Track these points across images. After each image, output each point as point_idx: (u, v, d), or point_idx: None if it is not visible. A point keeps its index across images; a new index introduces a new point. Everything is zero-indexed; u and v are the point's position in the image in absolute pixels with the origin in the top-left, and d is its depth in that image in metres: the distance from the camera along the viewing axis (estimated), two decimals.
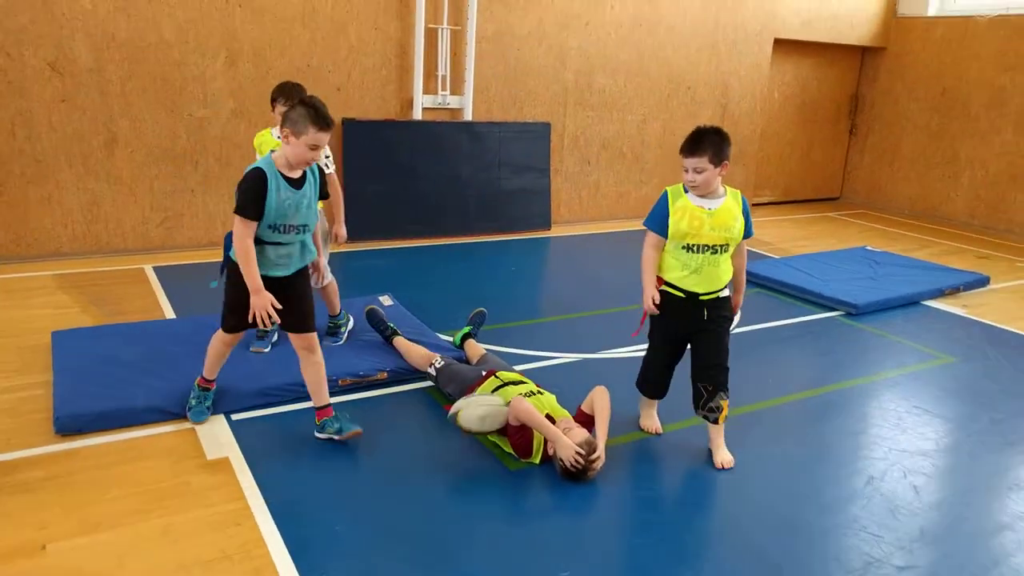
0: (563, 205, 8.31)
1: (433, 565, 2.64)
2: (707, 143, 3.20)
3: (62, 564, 2.54)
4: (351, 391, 3.91)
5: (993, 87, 9.10)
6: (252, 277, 3.03)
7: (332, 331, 4.39)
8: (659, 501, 3.16)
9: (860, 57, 10.57)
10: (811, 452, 3.63)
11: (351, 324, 4.51)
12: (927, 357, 4.97)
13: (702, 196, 3.28)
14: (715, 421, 3.35)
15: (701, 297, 3.31)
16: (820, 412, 4.08)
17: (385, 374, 4.05)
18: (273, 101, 4.04)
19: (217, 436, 3.41)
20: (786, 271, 6.46)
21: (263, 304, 3.01)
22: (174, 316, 4.93)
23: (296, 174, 3.11)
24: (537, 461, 3.31)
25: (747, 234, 3.35)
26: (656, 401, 3.66)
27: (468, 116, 7.44)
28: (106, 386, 3.62)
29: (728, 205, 3.29)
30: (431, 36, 7.07)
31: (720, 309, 3.37)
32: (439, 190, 7.32)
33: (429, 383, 4.04)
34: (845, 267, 6.77)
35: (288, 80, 4.24)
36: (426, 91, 7.18)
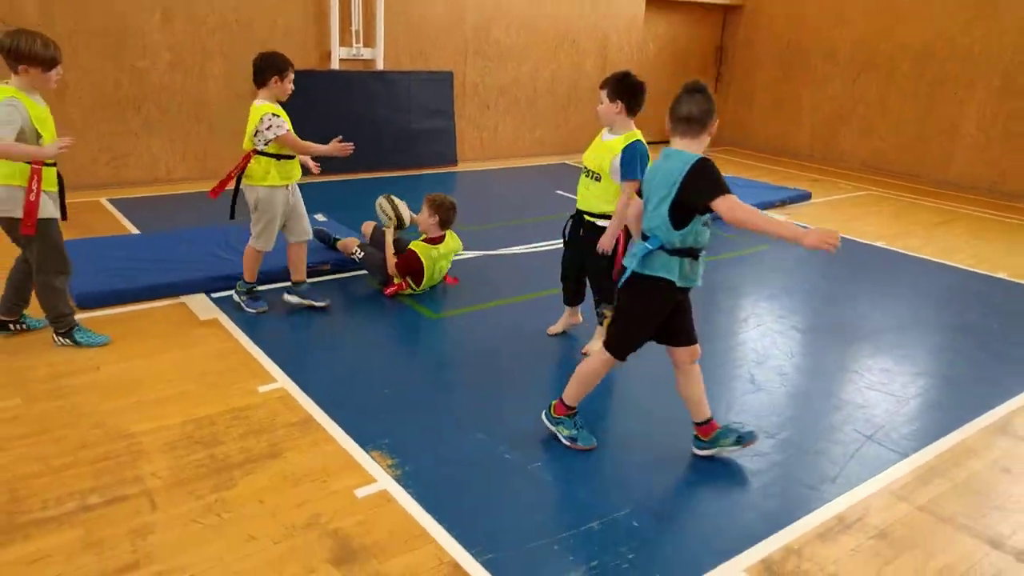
0: (467, 145, 9.47)
1: (378, 373, 3.86)
2: (610, 81, 3.76)
3: (114, 376, 3.62)
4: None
5: (827, 40, 10.77)
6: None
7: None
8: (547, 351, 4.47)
9: (723, 14, 12.08)
10: None
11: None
12: (750, 246, 6.48)
13: (607, 128, 3.84)
14: (600, 323, 4.13)
15: (582, 212, 3.97)
16: None
17: (328, 265, 5.20)
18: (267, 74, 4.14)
19: (204, 306, 4.49)
20: None
21: None
22: (139, 232, 5.86)
23: None
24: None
25: (623, 175, 3.70)
26: (569, 308, 4.39)
27: (380, 66, 8.46)
28: (107, 275, 4.62)
29: (613, 143, 3.75)
30: None
31: (592, 235, 3.88)
32: (358, 131, 8.31)
33: (357, 274, 5.21)
34: None
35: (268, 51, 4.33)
36: (342, 44, 8.15)
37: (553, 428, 3.30)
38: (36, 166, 3.52)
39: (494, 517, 2.78)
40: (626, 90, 3.76)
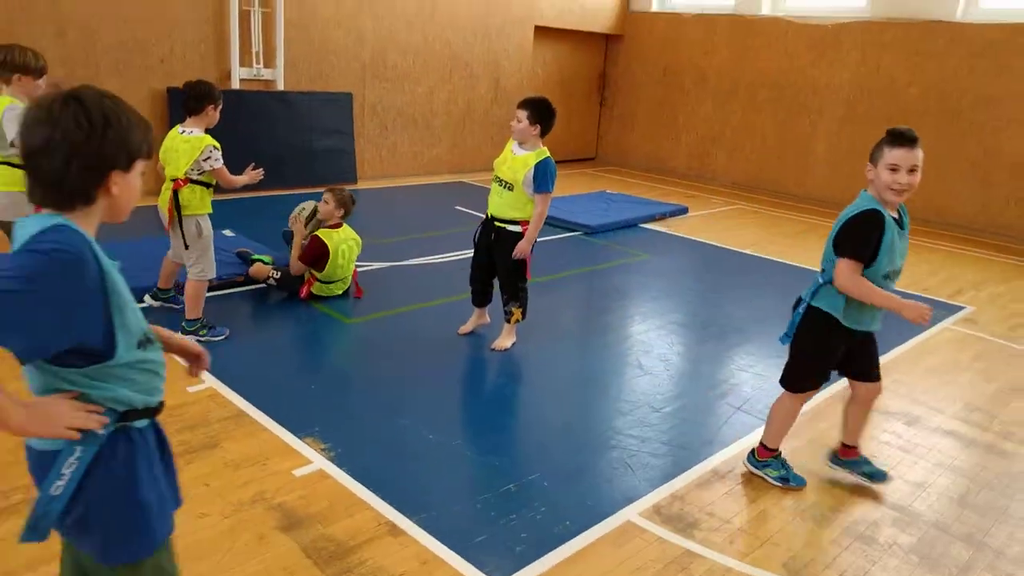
0: (367, 163, 9.75)
1: (303, 368, 4.13)
2: (531, 104, 4.25)
3: None
4: (216, 291, 5.20)
5: (698, 68, 11.81)
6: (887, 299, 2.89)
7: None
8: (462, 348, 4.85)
9: (605, 42, 12.98)
10: (556, 311, 5.53)
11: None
12: (633, 255, 7.13)
13: (519, 143, 4.30)
14: (507, 320, 4.54)
15: (494, 219, 4.38)
16: (566, 287, 6.02)
17: (242, 277, 5.37)
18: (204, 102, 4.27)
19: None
20: None
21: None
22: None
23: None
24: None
25: (537, 188, 4.19)
26: (477, 309, 4.76)
27: (280, 86, 8.63)
28: None
29: (527, 157, 4.21)
30: (244, 16, 8.18)
31: (503, 239, 4.32)
32: (259, 150, 8.43)
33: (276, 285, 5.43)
34: (586, 203, 8.94)
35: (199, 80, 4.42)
36: (242, 64, 8.28)
37: (760, 472, 3.35)
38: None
39: (423, 486, 3.13)
40: (545, 115, 4.30)
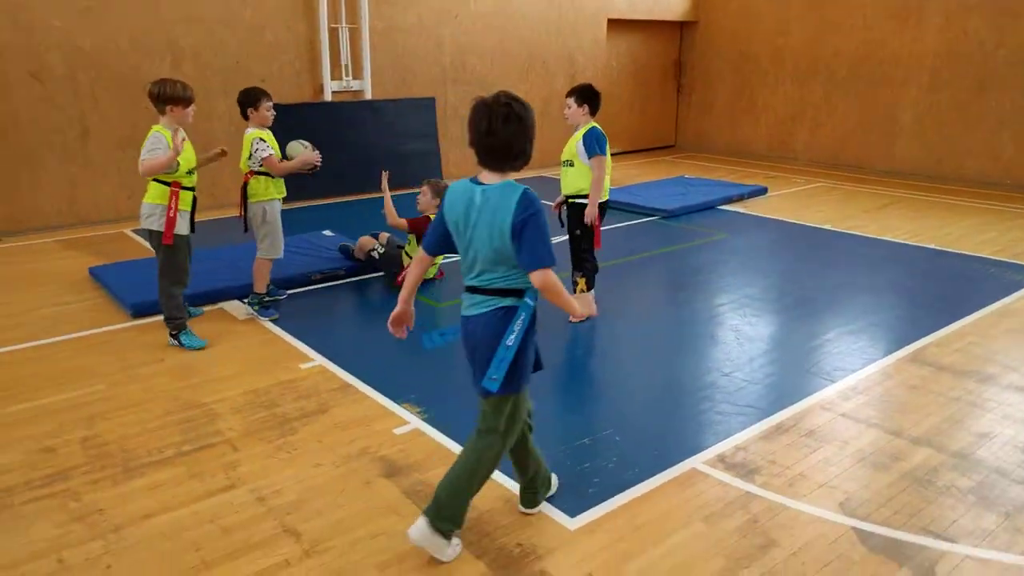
0: (451, 163, 10.25)
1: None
2: (577, 90, 4.74)
3: (176, 365, 4.33)
4: (320, 284, 5.77)
5: (773, 48, 11.72)
6: None
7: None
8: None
9: (679, 30, 13.03)
10: (638, 288, 5.81)
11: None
12: (710, 235, 7.29)
13: (576, 127, 4.83)
14: (573, 291, 5.10)
15: (566, 198, 4.91)
16: (643, 268, 6.28)
17: (343, 271, 5.93)
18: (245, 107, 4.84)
19: (240, 309, 5.19)
20: (619, 194, 8.73)
21: None
22: None
23: None
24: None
25: (589, 153, 4.60)
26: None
27: (368, 95, 9.25)
28: (149, 288, 5.31)
29: (577, 135, 4.74)
30: (333, 33, 8.83)
31: (573, 211, 4.83)
32: (352, 156, 9.10)
33: (371, 276, 5.95)
34: (664, 189, 9.12)
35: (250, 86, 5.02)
36: (333, 77, 8.94)
37: None
38: (175, 189, 4.34)
39: None
40: (591, 96, 4.78)
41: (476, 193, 2.50)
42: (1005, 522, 2.91)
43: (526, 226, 2.40)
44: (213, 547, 2.75)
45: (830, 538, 2.81)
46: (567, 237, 5.01)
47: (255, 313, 5.08)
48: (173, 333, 4.57)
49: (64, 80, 7.28)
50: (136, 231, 7.44)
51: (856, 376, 4.19)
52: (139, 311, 5.07)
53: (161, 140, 4.28)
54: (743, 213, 8.33)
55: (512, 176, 2.54)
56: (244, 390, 4.00)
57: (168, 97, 4.29)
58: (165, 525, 2.88)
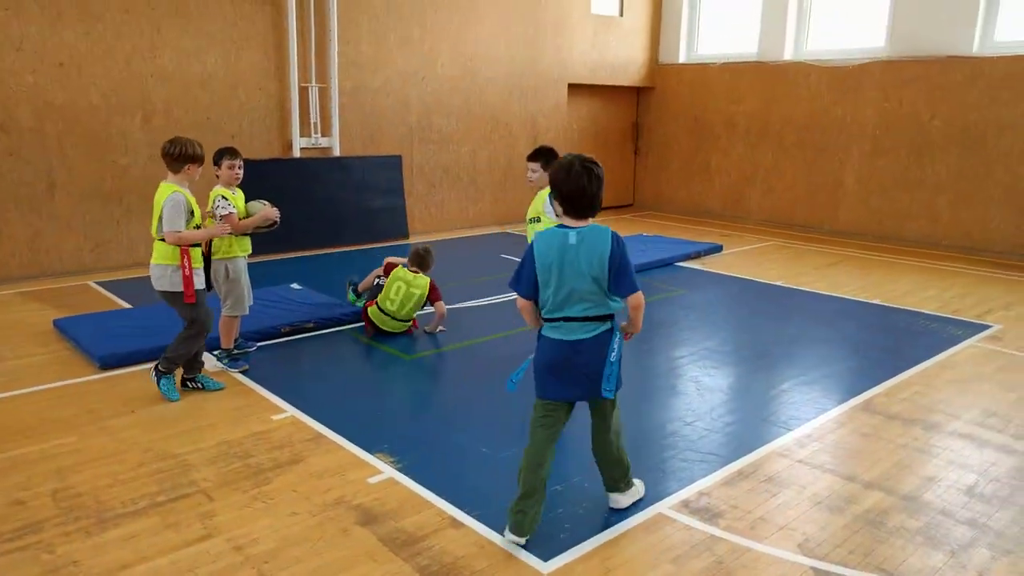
0: (416, 219, 10.45)
1: (371, 395, 4.68)
2: (541, 153, 4.95)
3: (148, 417, 4.33)
4: (289, 336, 5.82)
5: (726, 114, 12.34)
6: None
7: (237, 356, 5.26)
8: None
9: (636, 95, 13.64)
10: None
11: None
12: (669, 291, 7.57)
13: (539, 187, 5.02)
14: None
15: None
16: None
17: (312, 324, 6.00)
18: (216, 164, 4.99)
19: (210, 360, 5.21)
20: None
21: None
22: (129, 307, 6.54)
23: None
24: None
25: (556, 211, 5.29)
26: None
27: (337, 152, 9.45)
28: (123, 340, 5.31)
29: (542, 194, 4.96)
30: (304, 92, 9.06)
31: None
32: (319, 211, 9.24)
33: (340, 329, 6.03)
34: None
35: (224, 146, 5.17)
36: (302, 135, 9.13)
37: None
38: (186, 248, 4.39)
39: (479, 489, 3.60)
40: (553, 158, 4.89)
41: (570, 235, 3.07)
42: (951, 560, 3.10)
43: (622, 257, 3.07)
44: None
45: None
46: None
47: (225, 366, 5.11)
48: (161, 370, 4.57)
49: (32, 133, 7.32)
50: (100, 283, 7.41)
51: (811, 424, 4.40)
52: (107, 363, 5.05)
53: (181, 202, 4.37)
54: (700, 270, 8.66)
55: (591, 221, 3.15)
56: (217, 441, 4.03)
57: (188, 156, 4.39)
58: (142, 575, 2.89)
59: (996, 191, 9.60)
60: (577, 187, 3.02)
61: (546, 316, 3.19)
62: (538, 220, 5.00)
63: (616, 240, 3.06)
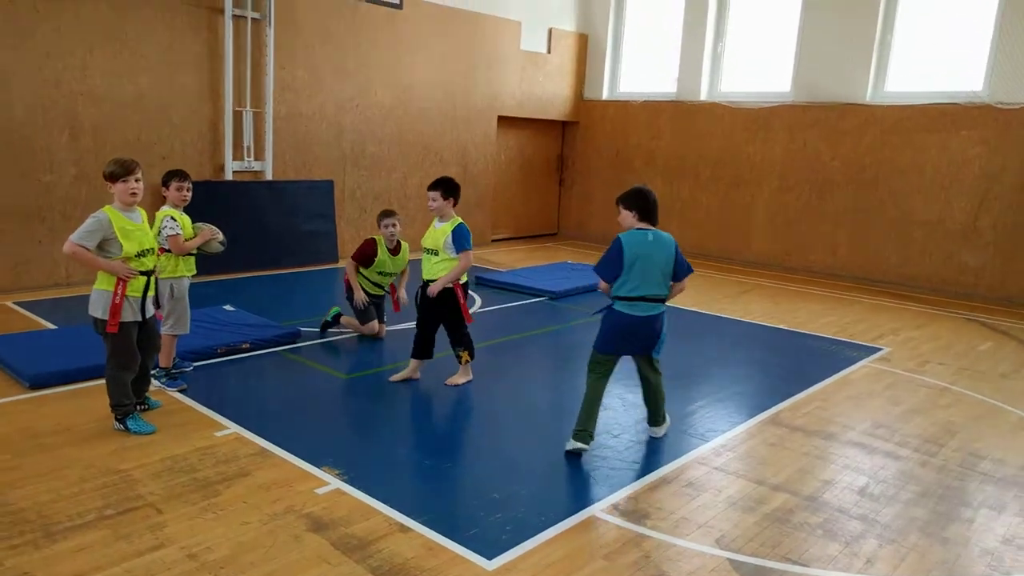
0: (347, 242, 10.55)
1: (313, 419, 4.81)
2: (443, 184, 5.37)
3: (86, 433, 4.33)
4: (225, 357, 5.87)
5: (646, 149, 13.03)
6: None
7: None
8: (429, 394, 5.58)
9: (561, 128, 14.20)
10: (528, 364, 6.28)
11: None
12: (590, 315, 7.94)
13: (439, 218, 5.37)
14: (460, 361, 5.48)
15: (426, 282, 5.23)
16: (534, 343, 6.79)
17: (248, 344, 6.06)
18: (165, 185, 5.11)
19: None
20: (509, 276, 9.36)
21: None
22: (54, 327, 6.42)
23: None
24: None
25: (457, 248, 5.11)
26: (413, 360, 5.44)
27: (269, 176, 9.50)
28: (53, 359, 5.25)
29: (444, 227, 5.19)
30: (238, 116, 9.11)
31: (440, 297, 5.16)
32: (251, 234, 9.23)
33: (275, 350, 6.11)
34: (550, 273, 9.84)
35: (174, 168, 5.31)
36: (235, 158, 9.16)
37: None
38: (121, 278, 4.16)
39: (423, 496, 3.81)
40: (453, 189, 5.35)
41: (648, 235, 4.34)
42: (845, 549, 3.51)
43: (679, 252, 4.42)
44: None
45: (709, 567, 3.29)
46: (418, 311, 5.36)
47: (163, 385, 5.13)
48: (119, 418, 4.40)
49: None
50: (20, 304, 7.21)
51: (725, 436, 4.81)
52: (37, 382, 4.99)
53: (101, 222, 4.13)
54: None
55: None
56: (161, 457, 4.08)
57: (106, 175, 4.20)
58: None
59: (887, 227, 10.52)
60: (651, 203, 4.40)
61: (623, 296, 4.28)
62: (435, 254, 5.24)
63: (675, 242, 4.42)
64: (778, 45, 11.53)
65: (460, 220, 5.31)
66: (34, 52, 7.51)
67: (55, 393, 4.93)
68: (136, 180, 4.23)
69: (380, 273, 6.51)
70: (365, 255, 6.40)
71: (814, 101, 11.02)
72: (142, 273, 4.31)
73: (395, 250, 6.49)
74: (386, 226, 6.41)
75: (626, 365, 6.07)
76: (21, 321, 6.63)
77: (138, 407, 4.60)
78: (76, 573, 3.01)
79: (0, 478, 3.76)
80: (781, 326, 7.91)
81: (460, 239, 5.22)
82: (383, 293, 6.62)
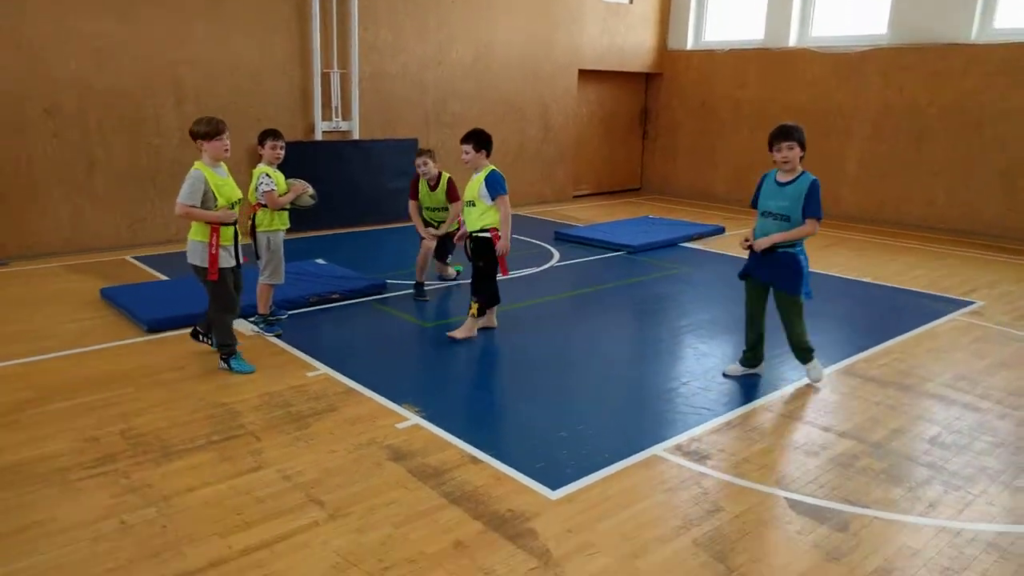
0: None
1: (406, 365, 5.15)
2: (473, 136, 5.31)
3: (197, 371, 4.81)
4: (317, 306, 6.29)
5: (732, 99, 12.68)
6: None
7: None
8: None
9: (645, 80, 13.97)
10: (601, 319, 6.44)
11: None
12: (671, 269, 7.99)
13: (475, 170, 5.37)
14: (468, 313, 5.59)
15: (470, 233, 5.41)
16: (611, 295, 6.93)
17: (337, 295, 6.46)
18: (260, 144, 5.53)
19: (246, 326, 5.68)
20: (588, 231, 9.45)
21: None
22: (167, 279, 7.02)
23: None
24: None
25: (492, 194, 5.17)
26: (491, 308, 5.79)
27: (356, 136, 9.89)
28: (169, 306, 5.79)
29: (478, 178, 5.25)
30: (325, 78, 9.49)
31: (478, 245, 5.33)
32: (340, 193, 9.68)
33: (363, 300, 6.49)
34: (630, 227, 9.85)
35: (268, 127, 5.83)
36: (324, 118, 9.57)
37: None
38: (215, 226, 4.57)
39: (494, 431, 4.08)
40: (483, 140, 5.40)
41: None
42: (908, 493, 3.54)
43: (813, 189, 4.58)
44: (251, 512, 3.25)
45: (766, 505, 3.41)
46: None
47: (261, 330, 5.58)
48: (224, 357, 4.85)
49: (74, 118, 7.79)
50: (137, 258, 7.90)
51: (795, 385, 4.84)
52: (154, 327, 5.54)
53: (198, 180, 4.52)
54: (702, 250, 9.07)
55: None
56: (259, 393, 4.51)
57: (194, 134, 4.58)
58: (207, 496, 3.37)
59: (990, 175, 9.94)
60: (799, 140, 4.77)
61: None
62: (473, 204, 5.40)
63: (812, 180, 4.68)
64: None
65: (492, 168, 5.36)
66: (141, 25, 8.06)
67: (169, 336, 5.46)
68: (227, 137, 4.61)
69: (427, 208, 6.75)
70: (412, 189, 6.72)
71: (912, 43, 10.42)
72: (230, 224, 4.69)
73: (434, 186, 6.65)
74: (418, 165, 6.59)
75: (699, 314, 6.09)
76: (138, 273, 7.28)
77: (202, 338, 5.05)
78: (188, 487, 3.43)
79: (126, 407, 4.27)
80: (864, 279, 7.70)
81: (493, 185, 5.27)
82: (436, 227, 6.75)
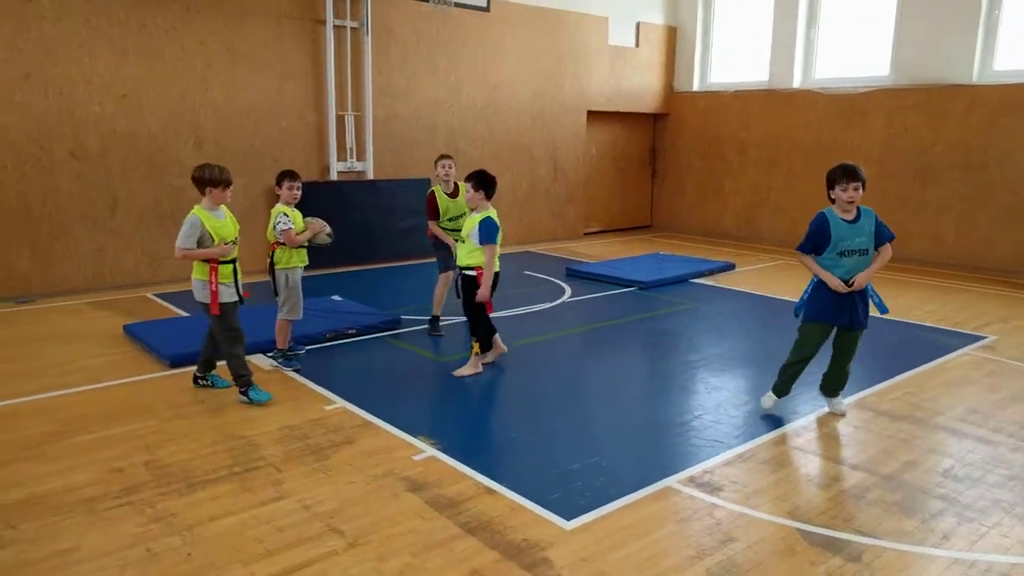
0: None
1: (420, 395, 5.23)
2: (475, 177, 5.47)
3: (217, 406, 4.90)
4: (333, 341, 6.40)
5: (738, 139, 12.89)
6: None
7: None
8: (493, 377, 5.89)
9: (652, 121, 14.24)
10: (615, 355, 6.51)
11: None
12: (682, 304, 8.07)
13: (471, 210, 5.56)
14: (471, 352, 5.72)
15: (461, 268, 5.53)
16: (623, 330, 7.01)
17: (354, 330, 6.57)
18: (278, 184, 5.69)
19: (265, 361, 5.79)
20: (599, 267, 9.57)
21: None
22: (187, 315, 7.16)
23: None
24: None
25: (481, 240, 5.32)
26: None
27: (370, 176, 10.11)
28: (188, 342, 5.91)
29: (474, 218, 5.38)
30: (340, 120, 9.76)
31: (463, 283, 5.48)
32: (354, 231, 9.87)
33: (378, 335, 6.60)
34: (641, 263, 9.97)
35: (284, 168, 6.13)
36: (339, 159, 9.81)
37: None
38: (213, 264, 4.80)
39: (510, 464, 4.13)
40: (485, 182, 5.50)
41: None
42: (921, 525, 3.57)
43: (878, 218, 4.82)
44: (273, 541, 3.31)
45: (779, 536, 3.45)
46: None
47: (279, 365, 5.69)
48: (242, 390, 4.97)
49: (98, 159, 8.04)
50: (157, 295, 8.06)
51: (807, 418, 4.88)
52: (176, 362, 5.66)
53: (196, 224, 4.75)
54: (712, 286, 9.16)
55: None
56: (279, 426, 4.59)
57: (205, 180, 4.80)
58: (230, 525, 3.44)
59: (999, 212, 10.03)
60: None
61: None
62: (463, 242, 5.54)
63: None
64: (875, 27, 11.18)
65: (489, 213, 5.44)
66: (164, 70, 8.36)
67: (190, 371, 5.55)
68: (231, 187, 4.89)
69: (450, 219, 6.64)
70: (431, 209, 6.61)
71: (915, 84, 10.62)
72: (228, 262, 4.88)
73: (453, 193, 6.64)
74: (441, 167, 6.66)
75: (711, 348, 6.17)
76: (159, 310, 7.43)
77: (201, 382, 5.18)
78: (212, 516, 3.51)
79: (150, 439, 4.37)
80: (874, 314, 7.73)
81: (484, 232, 5.38)
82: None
